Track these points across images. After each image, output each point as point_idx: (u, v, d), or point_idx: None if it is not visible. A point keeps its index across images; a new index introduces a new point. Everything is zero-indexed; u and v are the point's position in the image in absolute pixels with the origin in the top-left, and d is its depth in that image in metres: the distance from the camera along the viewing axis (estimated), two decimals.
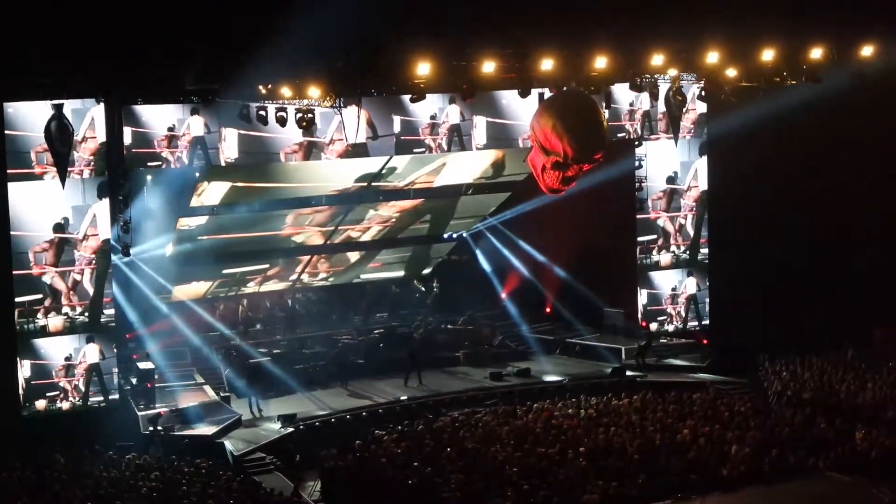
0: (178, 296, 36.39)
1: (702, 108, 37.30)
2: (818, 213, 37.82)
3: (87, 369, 30.50)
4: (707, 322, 38.59)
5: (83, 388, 30.47)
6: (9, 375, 29.59)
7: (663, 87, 33.68)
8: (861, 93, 34.17)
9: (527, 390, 33.93)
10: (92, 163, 30.02)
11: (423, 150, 33.94)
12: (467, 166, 37.26)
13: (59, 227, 29.91)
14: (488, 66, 29.12)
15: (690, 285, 38.59)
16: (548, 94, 31.57)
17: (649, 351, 36.12)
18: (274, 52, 26.10)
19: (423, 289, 42.22)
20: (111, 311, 31.01)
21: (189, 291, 37.16)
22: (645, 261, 38.17)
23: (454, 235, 41.88)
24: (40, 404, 29.98)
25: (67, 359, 30.27)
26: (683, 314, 38.57)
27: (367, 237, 39.57)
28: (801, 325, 36.51)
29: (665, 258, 38.36)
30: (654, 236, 38.15)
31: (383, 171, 35.33)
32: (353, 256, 40.36)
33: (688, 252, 38.55)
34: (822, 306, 36.79)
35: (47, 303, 29.99)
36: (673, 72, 32.60)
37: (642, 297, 38.23)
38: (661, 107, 35.96)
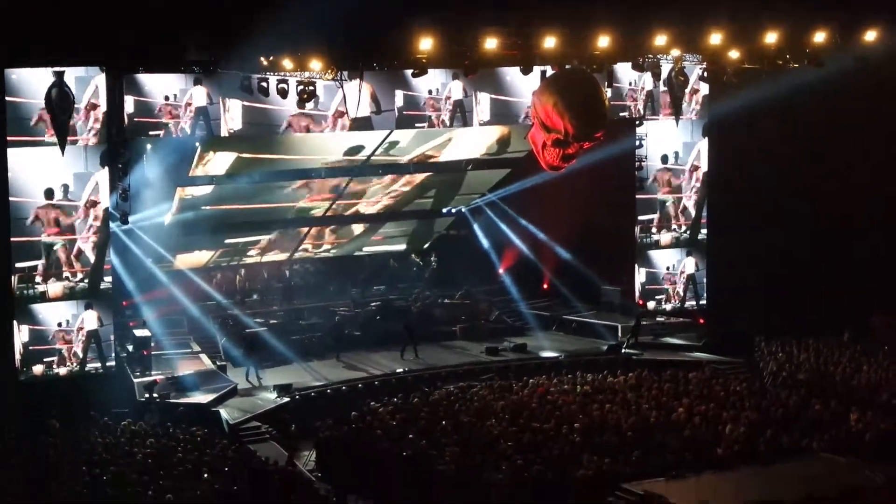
0: (179, 264, 36.46)
1: (706, 89, 37.26)
2: (820, 199, 37.52)
3: (86, 335, 30.60)
4: (704, 302, 38.66)
5: (81, 354, 30.55)
6: (6, 340, 29.65)
7: (665, 68, 33.66)
8: (864, 77, 33.97)
9: (523, 365, 34.07)
10: (97, 131, 29.97)
11: (425, 124, 33.94)
12: (473, 142, 37.24)
13: (50, 193, 29.69)
14: (491, 43, 29.08)
15: (689, 265, 38.63)
16: (550, 71, 31.57)
17: (641, 330, 36.20)
18: (275, 24, 26.03)
19: (420, 263, 42.27)
20: (111, 279, 31.10)
21: (191, 260, 37.24)
22: (645, 240, 38.19)
23: (453, 210, 41.90)
24: (37, 369, 30.01)
25: (60, 325, 30.25)
26: (682, 293, 38.65)
27: (373, 210, 39.61)
28: (803, 312, 36.35)
29: (665, 237, 38.38)
30: (654, 215, 38.16)
31: (385, 145, 35.32)
32: (358, 229, 40.41)
33: (688, 232, 38.57)
34: (824, 293, 36.66)
35: (41, 267, 29.93)
36: (676, 52, 32.56)
37: (641, 275, 38.25)
38: (664, 87, 35.92)
